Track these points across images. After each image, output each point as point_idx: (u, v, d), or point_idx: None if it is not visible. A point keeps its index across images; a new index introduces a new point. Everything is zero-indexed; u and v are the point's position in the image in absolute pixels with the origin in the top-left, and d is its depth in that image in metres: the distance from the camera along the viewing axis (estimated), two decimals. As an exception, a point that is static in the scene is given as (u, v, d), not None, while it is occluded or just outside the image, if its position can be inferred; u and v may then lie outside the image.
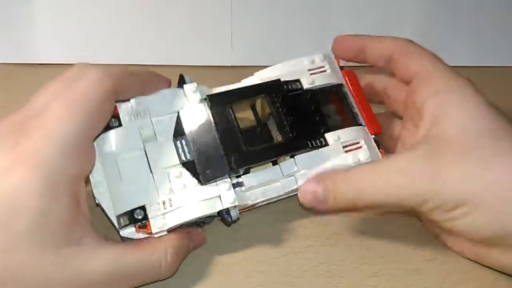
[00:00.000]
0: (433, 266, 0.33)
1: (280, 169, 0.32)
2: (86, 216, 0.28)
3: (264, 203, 0.33)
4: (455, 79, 0.31)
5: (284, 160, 0.33)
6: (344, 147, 0.33)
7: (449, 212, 0.28)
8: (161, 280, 0.30)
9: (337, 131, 0.34)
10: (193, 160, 0.31)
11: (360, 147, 0.34)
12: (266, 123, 0.35)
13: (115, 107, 0.31)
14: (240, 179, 0.32)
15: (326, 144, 0.33)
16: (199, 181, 0.31)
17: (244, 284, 0.32)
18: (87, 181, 0.30)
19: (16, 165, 0.25)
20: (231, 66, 0.44)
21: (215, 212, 0.31)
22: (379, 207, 0.31)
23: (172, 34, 0.44)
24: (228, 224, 0.32)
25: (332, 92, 0.35)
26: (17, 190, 0.25)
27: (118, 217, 0.30)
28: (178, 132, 0.32)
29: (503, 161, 0.28)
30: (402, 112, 0.36)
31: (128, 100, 0.32)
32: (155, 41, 0.44)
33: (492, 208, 0.27)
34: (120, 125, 0.31)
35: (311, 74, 0.35)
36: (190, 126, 0.32)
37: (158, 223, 0.30)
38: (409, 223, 0.34)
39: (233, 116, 0.32)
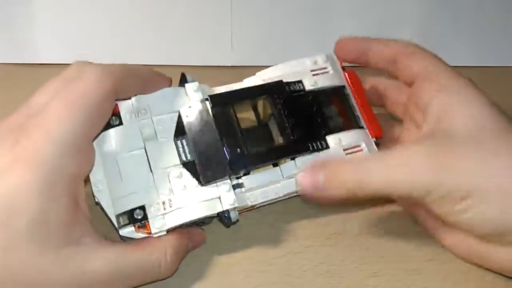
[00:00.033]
0: (433, 266, 0.33)
1: (281, 171, 0.32)
2: (85, 215, 0.28)
3: (264, 204, 0.33)
4: (458, 79, 0.31)
5: (285, 162, 0.32)
6: (345, 149, 0.33)
7: (453, 204, 0.28)
8: (160, 280, 0.30)
9: (338, 133, 0.34)
10: (194, 161, 0.31)
11: (361, 150, 0.33)
12: (267, 123, 0.34)
13: (116, 105, 0.31)
14: (240, 180, 0.32)
15: (327, 147, 0.33)
16: (199, 182, 0.31)
17: (244, 284, 0.32)
18: (87, 180, 0.30)
19: (15, 165, 0.25)
20: (231, 66, 0.44)
21: (214, 214, 0.31)
22: (380, 198, 0.31)
23: (172, 34, 0.44)
24: (227, 225, 0.32)
25: (334, 93, 0.35)
26: (17, 189, 0.25)
27: (118, 216, 0.30)
28: (179, 132, 0.32)
29: (505, 158, 0.28)
30: (401, 114, 0.36)
31: (129, 98, 0.32)
32: (155, 41, 0.44)
33: (497, 200, 0.27)
34: (120, 123, 0.31)
35: (313, 75, 0.35)
36: (191, 126, 0.31)
37: (158, 224, 0.30)
38: (409, 223, 0.34)
39: (234, 117, 0.32)
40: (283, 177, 0.32)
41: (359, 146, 0.34)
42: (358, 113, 0.35)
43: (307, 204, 0.34)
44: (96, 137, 0.30)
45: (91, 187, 0.30)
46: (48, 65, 0.42)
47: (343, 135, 0.34)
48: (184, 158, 0.31)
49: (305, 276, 0.32)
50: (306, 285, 0.32)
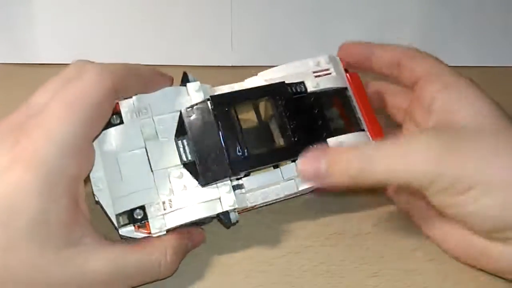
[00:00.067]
0: (433, 266, 0.33)
1: (281, 172, 0.32)
2: (85, 216, 0.28)
3: (264, 204, 0.33)
4: (460, 78, 0.32)
5: (285, 163, 0.32)
6: None
7: (455, 196, 0.28)
8: (160, 280, 0.30)
9: (339, 136, 0.33)
10: (194, 161, 0.31)
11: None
12: (268, 124, 0.34)
13: (117, 103, 0.31)
14: (240, 181, 0.32)
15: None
16: (199, 183, 0.31)
17: (244, 284, 0.32)
18: (87, 179, 0.30)
19: (15, 165, 0.25)
20: (231, 66, 0.44)
21: (214, 214, 0.31)
22: (382, 186, 0.31)
23: (172, 34, 0.44)
24: (227, 226, 0.32)
25: (336, 95, 0.35)
26: (16, 189, 0.25)
27: (118, 216, 0.30)
28: (180, 132, 0.31)
29: (507, 153, 0.28)
30: (401, 119, 0.36)
31: (130, 97, 0.31)
32: (155, 41, 0.44)
33: (499, 193, 0.27)
34: (121, 122, 0.31)
35: (315, 76, 0.35)
36: (192, 126, 0.31)
37: (157, 224, 0.30)
38: (409, 223, 0.34)
39: (236, 118, 0.31)
40: (283, 179, 0.32)
41: None
42: (359, 115, 0.35)
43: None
44: (97, 136, 0.30)
45: (91, 186, 0.30)
46: (48, 65, 0.42)
47: (344, 138, 0.33)
48: (184, 158, 0.31)
49: (305, 276, 0.32)
50: (306, 285, 0.32)
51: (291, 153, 0.32)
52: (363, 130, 0.34)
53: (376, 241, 0.34)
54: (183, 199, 0.30)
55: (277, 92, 0.33)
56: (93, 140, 0.29)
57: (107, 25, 0.44)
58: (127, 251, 0.28)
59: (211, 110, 0.31)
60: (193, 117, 0.31)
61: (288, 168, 0.32)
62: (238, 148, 0.31)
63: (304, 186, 0.32)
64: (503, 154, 0.28)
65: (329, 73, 0.35)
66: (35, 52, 0.43)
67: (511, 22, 0.46)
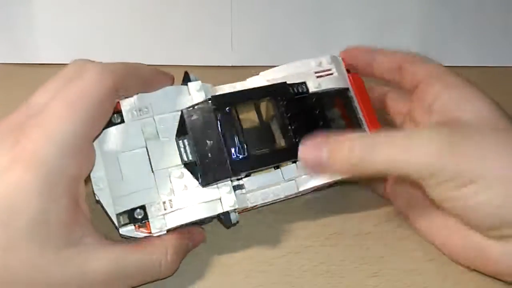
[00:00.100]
0: (433, 266, 0.33)
1: (282, 173, 0.32)
2: (86, 216, 0.28)
3: (264, 205, 0.33)
4: (460, 79, 0.32)
5: (286, 164, 0.32)
6: None
7: (457, 190, 0.28)
8: (161, 279, 0.30)
9: None
10: (195, 161, 0.31)
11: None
12: (270, 124, 0.34)
13: (118, 102, 0.31)
14: (241, 182, 0.32)
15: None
16: (200, 183, 0.31)
17: (244, 284, 0.32)
18: (88, 179, 0.30)
19: (15, 165, 0.25)
20: (231, 66, 0.44)
21: (215, 215, 0.31)
22: (383, 176, 0.31)
23: (172, 34, 0.44)
24: (227, 226, 0.32)
25: (337, 96, 0.35)
26: (16, 189, 0.25)
27: (118, 215, 0.30)
28: (181, 132, 0.31)
29: (507, 148, 0.28)
30: (400, 123, 0.36)
31: (131, 96, 0.31)
32: (155, 41, 0.44)
33: (502, 189, 0.27)
34: (122, 121, 0.31)
35: (317, 77, 0.35)
36: (193, 126, 0.31)
37: (158, 224, 0.30)
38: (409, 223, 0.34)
39: (237, 118, 0.31)
40: (284, 179, 0.32)
41: None
42: (360, 116, 0.35)
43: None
44: (98, 135, 0.30)
45: (91, 186, 0.30)
46: (48, 65, 0.42)
47: None
48: (185, 159, 0.31)
49: (305, 276, 0.32)
50: (306, 285, 0.32)
51: (292, 154, 0.32)
52: (365, 130, 0.34)
53: (376, 241, 0.34)
54: (184, 199, 0.30)
55: (278, 92, 0.33)
56: (94, 140, 0.29)
57: (107, 25, 0.44)
58: (128, 250, 0.28)
59: (212, 110, 0.31)
60: (194, 117, 0.31)
61: (289, 168, 0.32)
62: (239, 148, 0.31)
63: (304, 187, 0.32)
64: (504, 150, 0.28)
65: (331, 74, 0.35)
66: (35, 52, 0.43)
67: (511, 22, 0.46)
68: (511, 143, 0.28)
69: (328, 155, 0.29)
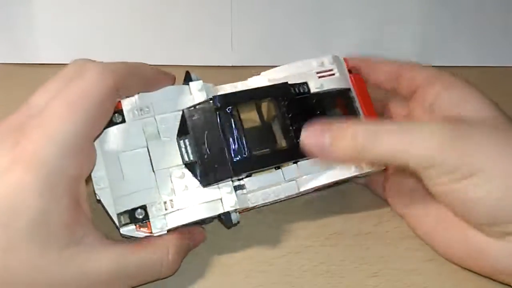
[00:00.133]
0: (433, 266, 0.33)
1: (282, 173, 0.32)
2: (87, 216, 0.28)
3: (264, 205, 0.33)
4: (460, 80, 0.32)
5: (287, 165, 0.32)
6: None
7: (457, 182, 0.28)
8: (161, 279, 0.30)
9: None
10: (196, 161, 0.31)
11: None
12: (271, 124, 0.34)
13: (119, 102, 0.31)
14: (242, 182, 0.32)
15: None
16: (201, 183, 0.31)
17: (244, 284, 0.32)
18: (88, 179, 0.30)
19: (15, 165, 0.25)
20: (231, 66, 0.44)
21: (216, 215, 0.31)
22: (383, 164, 0.31)
23: (172, 34, 0.44)
24: (228, 226, 0.32)
25: (339, 96, 0.35)
26: (16, 190, 0.25)
27: (119, 215, 0.30)
28: (182, 132, 0.31)
29: (508, 144, 0.28)
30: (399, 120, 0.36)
31: (132, 95, 0.31)
32: (155, 41, 0.44)
33: (503, 183, 0.27)
34: (123, 121, 0.31)
35: (319, 77, 0.35)
36: (194, 126, 0.31)
37: (159, 224, 0.30)
38: (409, 223, 0.34)
39: (238, 119, 0.31)
40: (285, 180, 0.32)
41: None
42: (362, 116, 0.35)
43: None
44: (98, 135, 0.29)
45: (92, 185, 0.30)
46: (48, 65, 0.42)
47: None
48: (186, 158, 0.31)
49: (305, 276, 0.32)
50: (306, 285, 0.32)
51: (293, 155, 0.32)
52: None
53: (376, 241, 0.34)
54: (185, 199, 0.30)
55: (280, 92, 0.33)
56: (95, 140, 0.29)
57: (107, 25, 0.44)
58: (129, 250, 0.28)
59: (213, 110, 0.31)
60: (195, 117, 0.31)
61: (290, 169, 0.32)
62: (240, 148, 0.31)
63: (305, 187, 0.32)
64: (504, 147, 0.28)
65: (333, 74, 0.35)
66: (35, 52, 0.43)
67: (511, 22, 0.46)
68: (510, 140, 0.28)
69: (330, 141, 0.29)
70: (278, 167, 0.32)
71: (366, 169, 0.33)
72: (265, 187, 0.32)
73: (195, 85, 0.32)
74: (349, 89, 0.35)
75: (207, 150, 0.31)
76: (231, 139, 0.31)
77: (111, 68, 0.29)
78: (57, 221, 0.26)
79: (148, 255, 0.29)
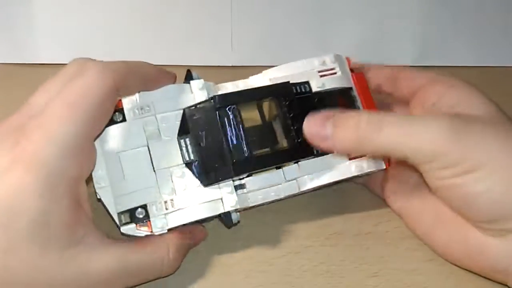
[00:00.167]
0: (433, 266, 0.33)
1: (283, 173, 0.32)
2: (88, 215, 0.28)
3: (264, 204, 0.33)
4: (461, 81, 0.32)
5: (288, 165, 0.32)
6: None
7: (459, 176, 0.28)
8: (162, 278, 0.30)
9: None
10: (197, 161, 0.31)
11: (365, 155, 0.33)
12: (272, 123, 0.33)
13: (120, 100, 0.31)
14: (242, 181, 0.32)
15: (331, 151, 0.33)
16: (202, 183, 0.31)
17: (244, 284, 0.32)
18: (89, 179, 0.29)
19: (15, 166, 0.25)
20: (231, 66, 0.44)
21: (216, 215, 0.31)
22: (384, 156, 0.31)
23: (172, 34, 0.44)
24: (228, 226, 0.32)
25: (340, 95, 0.35)
26: (17, 191, 0.25)
27: (119, 214, 0.29)
28: (183, 131, 0.31)
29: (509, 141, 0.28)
30: None
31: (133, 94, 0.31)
32: (155, 41, 0.44)
33: (506, 178, 0.27)
34: (124, 119, 0.31)
35: (321, 76, 0.34)
36: (195, 125, 0.31)
37: (159, 223, 0.30)
38: (409, 223, 0.34)
39: (239, 118, 0.31)
40: (285, 179, 0.32)
41: None
42: None
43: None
44: (99, 135, 0.29)
45: (93, 185, 0.30)
46: (48, 65, 0.42)
47: None
48: (187, 158, 0.31)
49: (305, 276, 0.32)
50: (306, 285, 0.32)
51: (294, 155, 0.32)
52: None
53: (376, 241, 0.34)
54: (185, 199, 0.30)
55: (281, 92, 0.32)
56: (95, 139, 0.29)
57: (107, 25, 0.44)
58: (130, 249, 0.28)
59: (214, 109, 0.31)
60: (196, 116, 0.31)
61: (291, 169, 0.32)
62: (241, 149, 0.31)
63: (306, 187, 0.32)
64: (506, 142, 0.28)
65: (334, 73, 0.35)
66: (35, 52, 0.43)
67: (511, 22, 0.46)
68: (511, 137, 0.28)
69: (332, 130, 0.29)
70: (279, 167, 0.32)
71: (367, 169, 0.33)
72: (266, 186, 0.32)
73: (196, 83, 0.32)
74: (350, 88, 0.35)
75: (208, 149, 0.31)
76: (231, 139, 0.31)
77: (111, 67, 0.28)
78: (57, 222, 0.26)
79: (149, 254, 0.29)
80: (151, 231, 0.29)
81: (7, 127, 0.27)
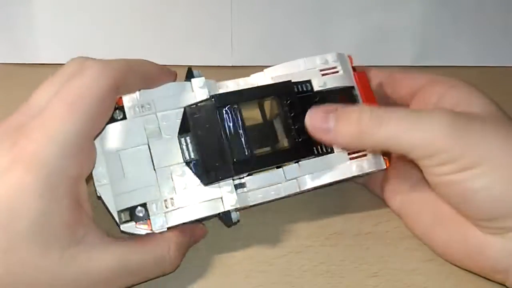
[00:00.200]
0: (433, 266, 0.33)
1: (284, 173, 0.32)
2: (88, 215, 0.28)
3: (264, 202, 0.33)
4: (462, 81, 0.32)
5: (289, 164, 0.32)
6: (349, 153, 0.33)
7: (458, 172, 0.28)
8: (163, 276, 0.30)
9: None
10: (197, 160, 0.31)
11: (365, 155, 0.33)
12: (273, 123, 0.33)
13: (120, 98, 0.30)
14: (242, 180, 0.32)
15: (332, 151, 0.33)
16: (202, 182, 0.31)
17: (244, 284, 0.32)
18: (89, 178, 0.29)
19: (15, 166, 0.25)
20: (231, 66, 0.44)
21: (216, 214, 0.31)
22: (385, 150, 0.32)
23: (172, 34, 0.44)
24: (228, 225, 0.32)
25: (342, 94, 0.35)
26: (17, 191, 0.25)
27: (119, 212, 0.29)
28: (184, 129, 0.31)
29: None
30: None
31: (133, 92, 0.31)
32: (155, 41, 0.44)
33: (506, 175, 0.27)
34: (124, 117, 0.30)
35: (322, 75, 0.34)
36: (195, 124, 0.31)
37: (159, 222, 0.30)
38: (409, 223, 0.34)
39: (240, 117, 0.31)
40: (286, 179, 0.32)
41: (364, 150, 0.33)
42: None
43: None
44: (99, 134, 0.29)
45: (93, 183, 0.30)
46: (48, 65, 0.42)
47: None
48: (187, 157, 0.31)
49: (305, 276, 0.32)
50: (306, 285, 0.32)
51: (294, 155, 0.32)
52: None
53: (376, 241, 0.34)
54: (185, 198, 0.30)
55: (283, 91, 0.32)
56: (95, 138, 0.29)
57: (107, 25, 0.44)
58: (131, 248, 0.28)
59: (215, 108, 0.31)
60: (197, 115, 0.31)
61: (291, 168, 0.32)
62: (242, 148, 0.31)
63: (306, 187, 0.32)
64: (507, 140, 0.28)
65: (337, 72, 0.35)
66: (35, 52, 0.43)
67: (511, 22, 0.46)
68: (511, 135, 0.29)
69: (335, 124, 0.30)
70: (279, 166, 0.32)
71: (367, 169, 0.33)
72: (266, 185, 0.32)
73: (197, 81, 0.32)
74: (352, 87, 0.35)
75: (208, 148, 0.31)
76: (232, 138, 0.31)
77: (110, 65, 0.28)
78: (58, 222, 0.26)
79: (150, 252, 0.29)
80: (151, 230, 0.29)
81: (6, 127, 0.27)
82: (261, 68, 0.35)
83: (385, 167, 0.34)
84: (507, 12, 0.46)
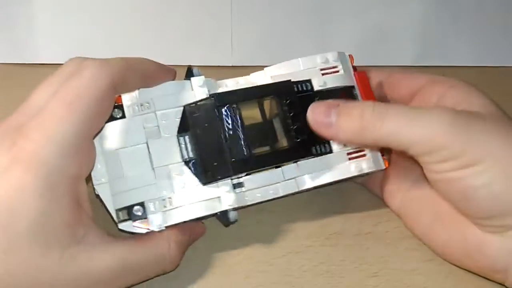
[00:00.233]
0: (433, 266, 0.33)
1: (282, 172, 0.32)
2: (88, 214, 0.28)
3: (262, 202, 0.33)
4: (462, 81, 0.33)
5: (287, 164, 0.32)
6: (348, 153, 0.33)
7: (458, 169, 0.28)
8: (164, 274, 0.30)
9: None
10: (196, 159, 0.31)
11: (364, 155, 0.33)
12: (273, 122, 0.33)
13: (119, 96, 0.30)
14: (240, 180, 0.31)
15: (331, 151, 0.33)
16: (200, 181, 0.31)
17: (244, 284, 0.32)
18: (89, 177, 0.29)
19: (14, 166, 0.25)
20: (231, 66, 0.44)
21: (214, 213, 0.31)
22: (386, 146, 0.31)
23: (172, 34, 0.44)
24: (226, 225, 0.32)
25: (342, 93, 0.35)
26: (16, 191, 0.25)
27: (117, 211, 0.29)
28: (183, 128, 0.31)
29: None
30: None
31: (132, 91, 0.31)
32: (155, 41, 0.44)
33: (506, 173, 0.27)
34: (123, 116, 0.30)
35: (323, 74, 0.34)
36: (195, 123, 0.31)
37: (157, 221, 0.30)
38: (409, 223, 0.34)
39: (239, 117, 0.31)
40: (284, 178, 0.32)
41: (363, 150, 0.33)
42: None
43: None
44: (98, 133, 0.29)
45: (92, 182, 0.30)
46: (48, 65, 0.42)
47: None
48: (186, 156, 0.31)
49: (305, 276, 0.32)
50: (306, 285, 0.32)
51: (293, 155, 0.32)
52: None
53: (376, 241, 0.34)
54: (183, 197, 0.30)
55: (282, 91, 0.32)
56: (94, 137, 0.29)
57: (107, 25, 0.44)
58: (131, 247, 0.28)
59: (214, 107, 0.31)
60: (196, 114, 0.31)
61: (290, 168, 0.32)
62: (240, 148, 0.31)
63: (304, 186, 0.32)
64: (507, 138, 0.28)
65: (337, 71, 0.35)
66: (35, 52, 0.43)
67: (511, 22, 0.46)
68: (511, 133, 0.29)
69: (336, 119, 0.30)
70: (278, 166, 0.32)
71: (366, 169, 0.33)
72: (264, 185, 0.32)
73: (196, 80, 0.32)
74: (352, 87, 0.35)
75: (207, 148, 0.31)
76: (231, 138, 0.31)
77: (109, 64, 0.28)
78: (58, 222, 0.26)
79: (149, 251, 0.29)
80: (148, 228, 0.29)
81: (6, 127, 0.27)
82: (261, 68, 0.35)
83: (384, 167, 0.34)
84: (507, 12, 0.46)
